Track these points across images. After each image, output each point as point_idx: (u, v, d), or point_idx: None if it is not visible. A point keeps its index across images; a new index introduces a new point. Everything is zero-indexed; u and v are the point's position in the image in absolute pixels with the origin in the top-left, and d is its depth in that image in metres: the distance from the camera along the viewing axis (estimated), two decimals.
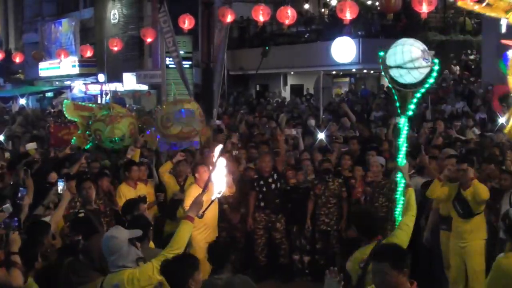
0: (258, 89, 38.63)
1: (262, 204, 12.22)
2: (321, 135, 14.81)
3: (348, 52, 28.18)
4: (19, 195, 8.10)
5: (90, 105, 14.85)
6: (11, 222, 6.46)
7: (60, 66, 44.68)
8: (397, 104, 8.40)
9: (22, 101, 38.34)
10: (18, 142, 16.45)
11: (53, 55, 45.02)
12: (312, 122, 18.33)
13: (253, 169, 12.76)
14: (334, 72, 34.09)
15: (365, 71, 34.17)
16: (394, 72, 8.08)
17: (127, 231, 6.29)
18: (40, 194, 9.25)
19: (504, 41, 8.18)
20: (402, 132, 8.38)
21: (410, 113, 8.32)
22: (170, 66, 32.59)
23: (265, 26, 31.81)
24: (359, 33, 29.58)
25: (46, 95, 48.50)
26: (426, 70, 7.99)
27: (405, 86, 8.18)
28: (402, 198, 7.97)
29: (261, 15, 20.71)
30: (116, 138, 13.47)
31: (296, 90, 36.59)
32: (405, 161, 8.16)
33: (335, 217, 12.02)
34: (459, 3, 8.67)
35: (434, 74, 8.07)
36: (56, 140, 15.10)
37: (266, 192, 12.15)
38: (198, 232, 10.41)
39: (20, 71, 50.22)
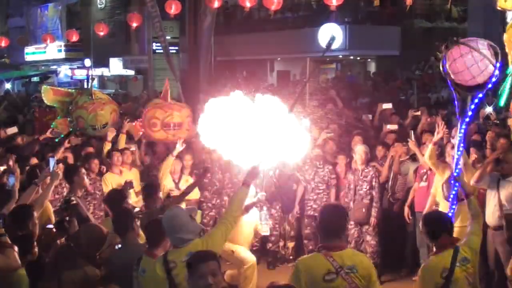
0: (244, 75, 38.59)
1: (257, 190, 12.22)
2: (307, 122, 14.79)
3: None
4: (10, 182, 8.11)
5: (70, 90, 14.73)
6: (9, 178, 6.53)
7: (46, 51, 44.50)
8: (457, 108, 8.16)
9: (8, 86, 38.16)
10: (3, 126, 16.43)
11: (39, 39, 44.75)
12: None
13: None
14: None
15: (351, 57, 34.19)
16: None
17: (185, 208, 6.39)
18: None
19: None
20: (461, 140, 8.20)
21: (467, 119, 8.09)
22: (156, 51, 32.59)
23: (252, 12, 31.78)
24: (346, 19, 29.56)
25: (32, 80, 48.30)
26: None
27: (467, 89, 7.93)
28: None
29: (247, 1, 20.65)
30: (98, 126, 13.47)
31: (283, 76, 36.56)
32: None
33: (322, 203, 12.08)
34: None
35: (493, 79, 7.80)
36: (41, 125, 15.06)
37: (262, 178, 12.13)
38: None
39: (5, 55, 49.94)
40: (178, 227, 6.15)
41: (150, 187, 9.74)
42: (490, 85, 7.81)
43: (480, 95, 7.88)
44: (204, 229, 6.45)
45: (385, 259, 11.57)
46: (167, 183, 11.67)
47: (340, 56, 33.47)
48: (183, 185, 11.67)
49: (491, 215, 9.72)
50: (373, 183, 11.41)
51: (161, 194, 11.08)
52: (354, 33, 28.93)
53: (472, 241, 6.69)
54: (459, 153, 8.23)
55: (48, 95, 14.09)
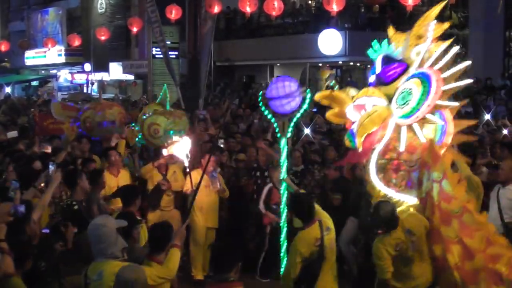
0: (244, 80, 38.64)
1: (254, 196, 12.24)
2: (307, 130, 14.79)
3: (335, 44, 28.20)
4: (11, 188, 8.10)
5: (78, 106, 15.10)
6: (20, 207, 6.65)
7: (46, 55, 44.47)
8: (277, 129, 9.55)
9: (8, 90, 38.22)
10: (2, 130, 16.46)
11: (40, 44, 44.80)
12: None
13: (242, 161, 12.87)
14: (320, 64, 34.15)
15: (351, 63, 34.21)
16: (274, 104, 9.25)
17: (115, 220, 6.33)
18: (28, 181, 9.20)
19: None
20: (283, 151, 9.47)
21: (289, 134, 9.53)
22: (156, 56, 32.61)
23: (252, 17, 31.84)
24: (346, 25, 29.59)
25: (32, 84, 48.35)
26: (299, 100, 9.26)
27: (283, 114, 9.37)
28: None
29: (248, 6, 20.70)
30: (106, 123, 13.66)
31: None
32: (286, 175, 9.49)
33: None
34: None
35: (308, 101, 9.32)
36: (41, 129, 15.10)
37: (259, 184, 12.16)
38: (195, 214, 10.96)
39: (6, 59, 50.02)
40: (103, 238, 6.06)
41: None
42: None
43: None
44: (127, 247, 6.34)
45: None
46: (155, 176, 11.72)
47: (340, 62, 33.51)
48: (171, 177, 11.76)
49: (493, 223, 9.66)
50: None
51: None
52: (354, 39, 28.94)
53: (325, 215, 8.08)
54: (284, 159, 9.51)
55: (57, 109, 14.41)
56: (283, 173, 9.43)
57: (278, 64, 37.00)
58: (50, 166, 8.48)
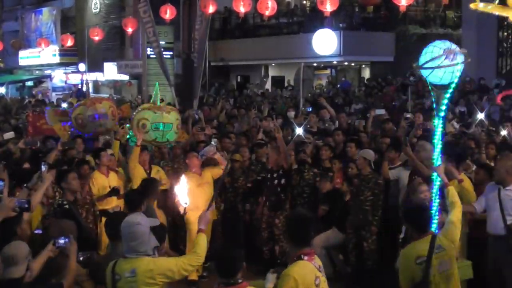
0: (239, 80, 38.66)
1: (263, 198, 12.25)
2: (299, 130, 14.70)
3: (329, 44, 28.20)
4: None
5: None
6: (23, 203, 6.71)
7: (40, 55, 44.36)
8: (434, 105, 8.17)
9: (2, 90, 38.14)
10: None
11: (33, 44, 44.69)
12: (291, 114, 18.34)
13: (238, 161, 12.85)
14: (315, 64, 34.18)
15: (346, 63, 34.25)
16: (428, 75, 7.72)
17: (148, 218, 6.33)
18: (21, 181, 9.21)
19: None
20: (437, 133, 8.02)
21: (442, 114, 7.95)
22: (151, 56, 32.63)
23: (247, 18, 31.85)
24: (340, 25, 29.63)
25: (26, 84, 48.26)
26: (452, 69, 7.55)
27: (437, 86, 7.90)
28: (437, 197, 7.64)
29: (242, 6, 20.65)
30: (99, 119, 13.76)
31: (277, 81, 36.62)
32: (440, 162, 7.78)
33: (308, 206, 11.97)
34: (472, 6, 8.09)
35: (458, 73, 7.57)
36: (34, 129, 15.10)
37: (268, 187, 12.17)
38: (192, 214, 10.56)
39: None
40: (135, 236, 6.06)
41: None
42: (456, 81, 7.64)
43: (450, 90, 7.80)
44: (159, 247, 6.38)
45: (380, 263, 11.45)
46: (140, 174, 11.61)
47: (335, 62, 33.54)
48: (155, 175, 11.68)
49: (493, 225, 9.63)
50: (375, 190, 11.20)
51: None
52: (349, 39, 29.01)
53: (448, 231, 6.87)
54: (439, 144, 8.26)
55: (50, 116, 14.53)
56: (436, 160, 7.81)
57: (273, 64, 37.04)
58: (43, 167, 8.48)
